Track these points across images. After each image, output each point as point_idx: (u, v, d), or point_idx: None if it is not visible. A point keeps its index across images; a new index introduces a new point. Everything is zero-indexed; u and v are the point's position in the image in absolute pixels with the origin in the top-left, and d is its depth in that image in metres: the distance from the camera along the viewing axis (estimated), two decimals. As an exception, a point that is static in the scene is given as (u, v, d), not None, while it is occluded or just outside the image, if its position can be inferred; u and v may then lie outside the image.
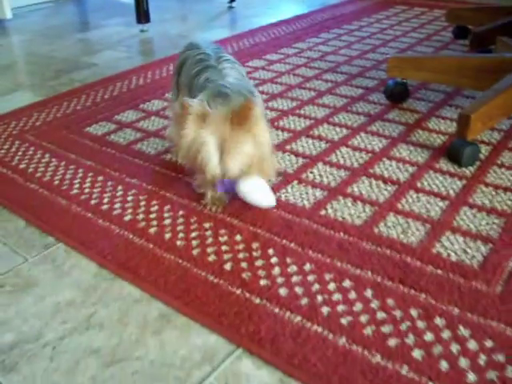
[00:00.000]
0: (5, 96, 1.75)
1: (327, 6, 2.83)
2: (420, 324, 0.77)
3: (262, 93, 1.63)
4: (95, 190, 1.14)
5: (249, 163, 0.94)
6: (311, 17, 2.62)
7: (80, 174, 1.21)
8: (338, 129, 1.37)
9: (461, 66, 1.41)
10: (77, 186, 1.16)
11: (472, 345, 0.73)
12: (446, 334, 0.75)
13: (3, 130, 1.47)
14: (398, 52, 1.99)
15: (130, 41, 2.36)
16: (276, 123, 1.41)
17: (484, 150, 1.25)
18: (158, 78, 1.81)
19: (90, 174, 1.20)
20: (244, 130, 0.92)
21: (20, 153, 1.33)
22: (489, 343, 0.74)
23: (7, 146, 1.37)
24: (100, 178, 1.19)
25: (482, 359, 0.71)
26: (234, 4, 2.96)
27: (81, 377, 0.72)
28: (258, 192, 1.01)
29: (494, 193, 1.08)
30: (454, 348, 0.73)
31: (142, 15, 2.46)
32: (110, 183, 1.17)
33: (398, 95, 1.52)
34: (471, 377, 0.69)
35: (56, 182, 1.18)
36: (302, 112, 1.48)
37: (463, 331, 0.76)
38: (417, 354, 0.72)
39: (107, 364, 0.74)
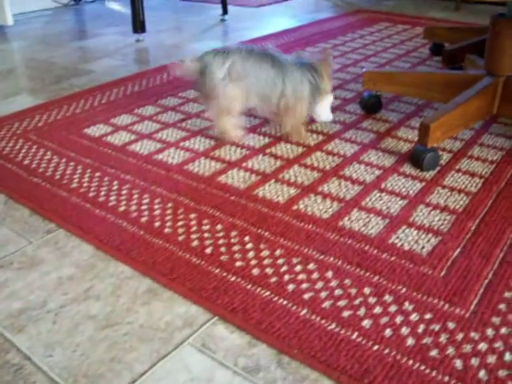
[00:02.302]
0: (8, 99, 1.87)
1: (316, 21, 2.98)
2: (371, 300, 0.90)
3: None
4: (93, 185, 1.27)
5: None
6: (299, 31, 2.76)
7: (79, 170, 1.33)
8: (314, 135, 1.51)
9: (428, 81, 1.55)
10: (76, 180, 1.29)
11: (413, 317, 0.87)
12: (392, 308, 0.88)
13: (7, 129, 1.59)
14: (377, 67, 2.13)
15: (126, 49, 2.49)
16: (258, 129, 1.55)
17: (445, 157, 1.38)
18: (151, 86, 1.94)
19: (88, 171, 1.33)
20: None
21: (24, 150, 1.45)
22: (428, 316, 0.87)
23: (12, 144, 1.49)
24: (97, 174, 1.31)
25: (421, 328, 0.84)
26: (226, 17, 3.10)
27: (80, 337, 0.85)
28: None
29: (449, 194, 1.22)
30: (398, 319, 0.86)
31: (138, 25, 2.60)
32: (106, 179, 1.29)
33: (371, 106, 1.66)
34: (410, 341, 0.82)
35: (57, 177, 1.31)
36: (284, 119, 1.62)
37: (408, 306, 0.89)
38: (366, 323, 0.85)
39: (102, 327, 0.86)
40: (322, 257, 1.01)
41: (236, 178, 1.28)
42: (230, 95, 1.38)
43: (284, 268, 0.98)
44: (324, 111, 1.50)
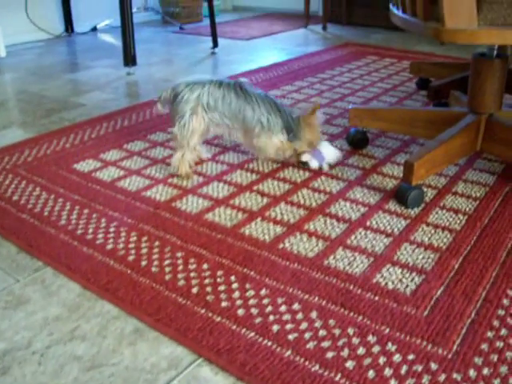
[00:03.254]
0: (-1, 132, 1.89)
1: (304, 55, 3.02)
2: (355, 340, 0.91)
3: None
4: (81, 222, 1.28)
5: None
6: (288, 65, 2.80)
7: (68, 207, 1.34)
8: (301, 172, 1.53)
9: (413, 118, 1.58)
10: (64, 217, 1.30)
11: (396, 358, 0.88)
12: (375, 349, 0.89)
13: (-3, 164, 1.61)
14: (364, 101, 2.16)
15: (116, 83, 2.52)
16: (246, 165, 1.57)
17: (430, 193, 1.40)
18: (141, 121, 1.96)
19: (77, 207, 1.34)
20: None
21: (13, 186, 1.46)
22: (411, 356, 0.88)
23: (1, 179, 1.50)
24: (85, 211, 1.33)
25: (404, 369, 0.85)
26: (216, 50, 3.15)
27: (65, 379, 0.85)
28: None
29: (433, 231, 1.24)
30: (381, 360, 0.87)
31: (129, 59, 2.63)
32: (94, 216, 1.31)
33: (358, 142, 1.68)
34: (393, 383, 0.83)
35: (46, 213, 1.32)
36: (271, 155, 1.64)
37: (391, 347, 0.90)
38: (349, 364, 0.86)
39: (88, 368, 0.87)
40: (306, 297, 1.02)
41: (223, 216, 1.29)
42: (191, 126, 1.45)
43: (269, 308, 0.99)
44: (328, 154, 1.56)
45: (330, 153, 1.56)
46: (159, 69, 2.77)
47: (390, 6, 1.56)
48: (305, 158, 1.55)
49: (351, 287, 1.04)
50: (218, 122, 1.48)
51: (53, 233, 1.24)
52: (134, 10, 2.95)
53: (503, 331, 0.93)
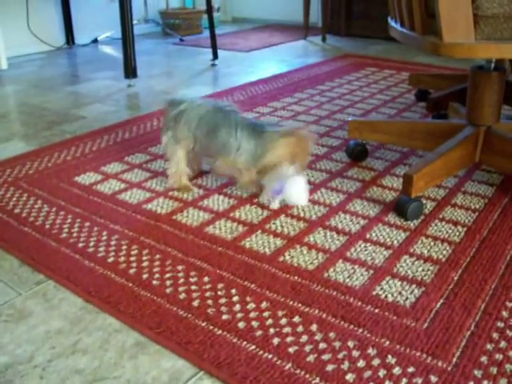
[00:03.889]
0: (1, 144, 1.90)
1: (304, 67, 3.04)
2: (355, 353, 0.92)
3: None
4: (82, 235, 1.29)
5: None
6: (288, 76, 2.82)
7: (69, 220, 1.35)
8: (301, 184, 1.54)
9: (412, 130, 1.59)
10: (66, 230, 1.31)
11: (396, 370, 0.88)
12: (375, 362, 0.90)
13: (-1, 177, 1.62)
14: (364, 113, 2.18)
15: (117, 95, 2.53)
16: (247, 177, 1.58)
17: (429, 206, 1.41)
18: (141, 133, 1.97)
19: (78, 220, 1.35)
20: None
21: (14, 198, 1.47)
22: (411, 369, 0.88)
23: (2, 192, 1.51)
24: (87, 224, 1.33)
25: (404, 382, 0.86)
26: (216, 61, 3.16)
27: (66, 393, 0.86)
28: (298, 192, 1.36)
29: (432, 243, 1.24)
30: (381, 373, 0.88)
31: (130, 71, 2.65)
32: (95, 229, 1.31)
33: (357, 154, 1.69)
34: (392, 396, 0.84)
35: (47, 226, 1.32)
36: (271, 168, 1.65)
37: (391, 359, 0.90)
38: (349, 377, 0.87)
39: (89, 382, 0.87)
40: (307, 309, 1.02)
41: (223, 229, 1.30)
42: (174, 141, 1.47)
43: (269, 321, 0.99)
44: (294, 192, 1.37)
45: (295, 193, 1.37)
46: (160, 81, 2.79)
47: (389, 19, 1.57)
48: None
49: (351, 300, 1.05)
50: (194, 141, 1.46)
51: (54, 246, 1.24)
52: (134, 21, 2.97)
53: (502, 343, 0.94)
